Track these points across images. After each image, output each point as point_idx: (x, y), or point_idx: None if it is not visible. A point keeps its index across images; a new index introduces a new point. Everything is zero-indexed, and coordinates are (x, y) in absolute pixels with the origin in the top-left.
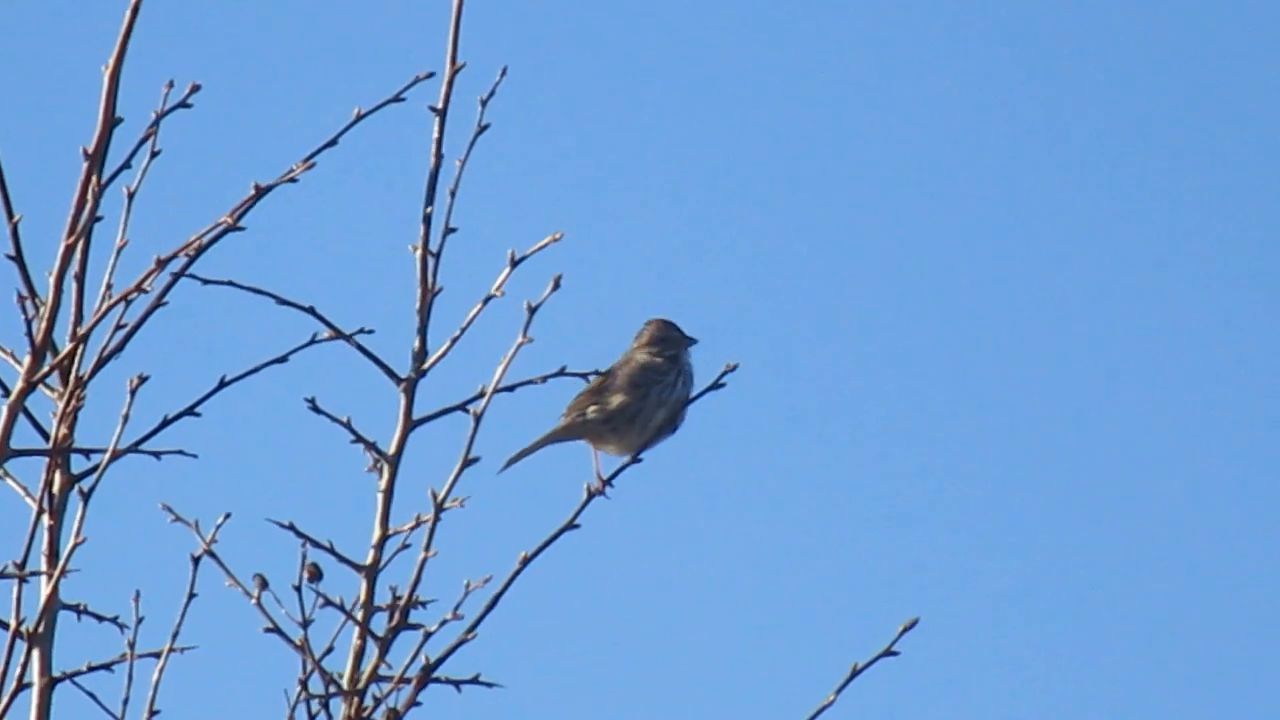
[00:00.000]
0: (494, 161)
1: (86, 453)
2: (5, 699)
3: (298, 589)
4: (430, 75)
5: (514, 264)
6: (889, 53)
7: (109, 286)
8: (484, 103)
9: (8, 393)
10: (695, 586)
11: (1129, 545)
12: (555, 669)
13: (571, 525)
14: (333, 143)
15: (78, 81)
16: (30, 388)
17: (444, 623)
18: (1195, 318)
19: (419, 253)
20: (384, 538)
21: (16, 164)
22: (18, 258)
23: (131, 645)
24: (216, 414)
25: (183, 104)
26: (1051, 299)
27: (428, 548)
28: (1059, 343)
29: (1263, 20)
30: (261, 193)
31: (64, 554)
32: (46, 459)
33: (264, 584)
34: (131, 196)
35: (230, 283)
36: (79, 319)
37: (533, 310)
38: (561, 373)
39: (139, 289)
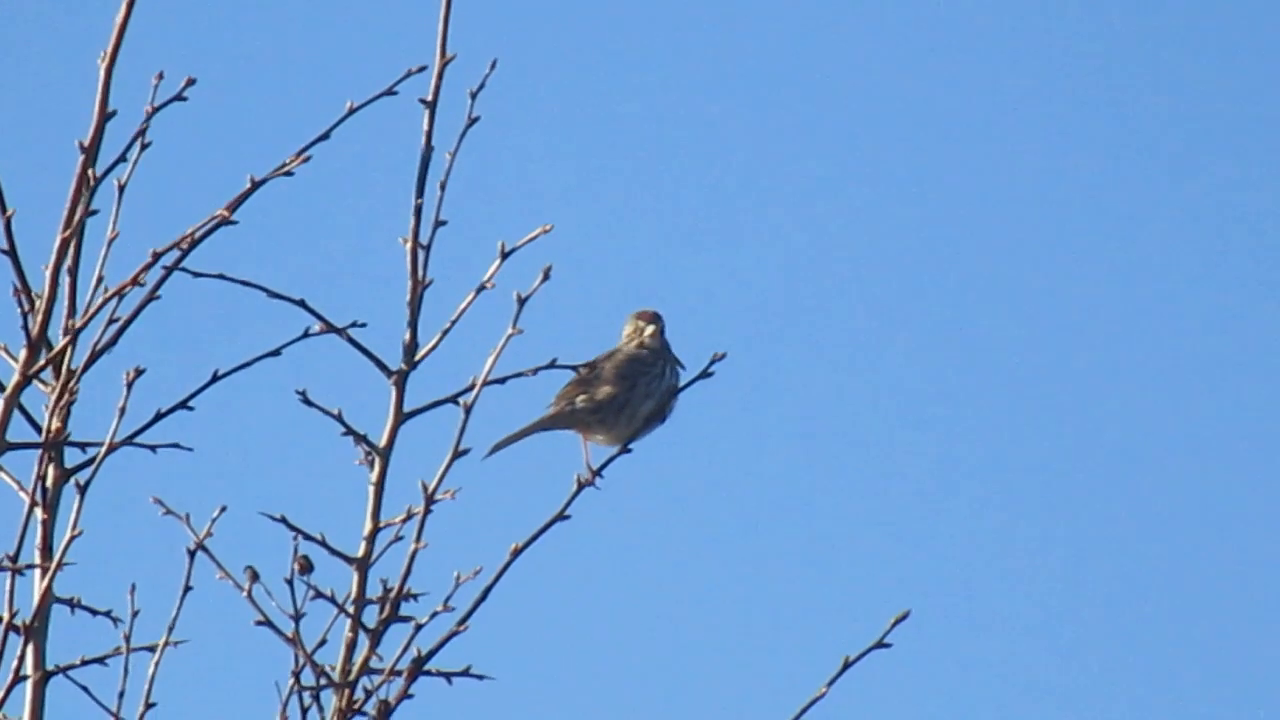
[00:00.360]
0: (484, 154)
1: (82, 446)
2: (0, 693)
3: (289, 582)
4: (422, 69)
5: (504, 256)
6: (883, 39)
7: (100, 279)
8: (474, 95)
9: (2, 388)
10: (686, 577)
11: (1125, 540)
12: (546, 661)
13: (562, 516)
14: (325, 136)
15: (68, 75)
16: (25, 382)
17: (435, 615)
18: (1195, 318)
19: (409, 245)
20: (375, 530)
21: (7, 158)
22: (11, 252)
23: (126, 639)
24: (208, 407)
25: (178, 97)
26: (1051, 295)
27: (418, 540)
28: (1058, 338)
29: (1263, 20)
30: (256, 185)
31: (59, 547)
32: (40, 452)
33: (255, 577)
34: (122, 189)
35: (222, 276)
36: (72, 312)
37: (523, 302)
38: (552, 364)
39: (135, 282)
